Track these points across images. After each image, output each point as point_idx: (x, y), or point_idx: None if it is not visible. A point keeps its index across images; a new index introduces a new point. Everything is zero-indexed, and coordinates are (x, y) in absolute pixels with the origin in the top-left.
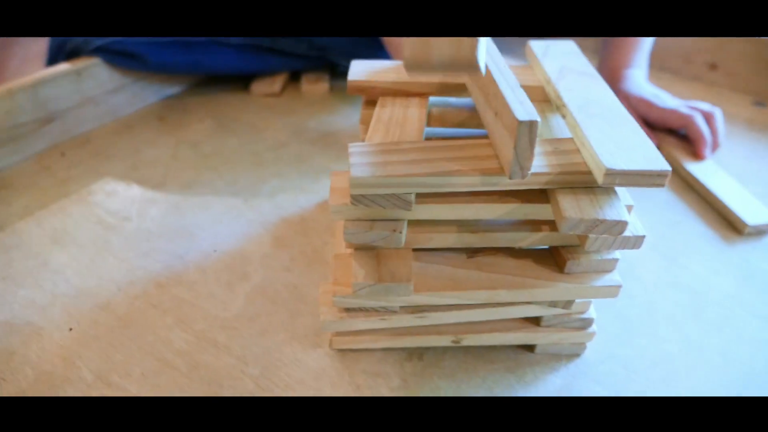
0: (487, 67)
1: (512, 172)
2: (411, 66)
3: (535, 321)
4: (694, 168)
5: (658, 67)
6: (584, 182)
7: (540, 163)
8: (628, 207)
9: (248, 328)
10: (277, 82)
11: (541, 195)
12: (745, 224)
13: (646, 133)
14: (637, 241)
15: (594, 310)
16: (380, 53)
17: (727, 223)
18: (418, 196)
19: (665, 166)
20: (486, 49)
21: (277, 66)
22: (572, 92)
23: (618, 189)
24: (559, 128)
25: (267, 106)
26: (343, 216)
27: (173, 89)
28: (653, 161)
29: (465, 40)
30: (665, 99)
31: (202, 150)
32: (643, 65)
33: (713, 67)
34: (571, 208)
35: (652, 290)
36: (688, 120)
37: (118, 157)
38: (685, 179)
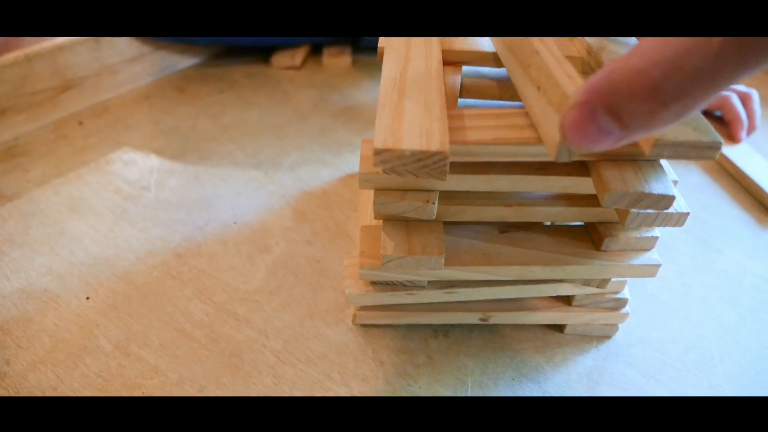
0: (527, 38)
1: (558, 154)
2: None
3: (567, 300)
4: (729, 151)
5: None
6: (629, 154)
7: None
8: (674, 182)
9: (269, 301)
10: (298, 55)
11: (581, 167)
12: None
13: None
14: (680, 218)
15: (628, 291)
16: None
17: (762, 207)
18: (452, 165)
19: (717, 138)
20: None
21: (298, 38)
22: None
23: (663, 163)
24: None
25: (288, 79)
26: (372, 185)
27: (193, 60)
28: (704, 132)
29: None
30: None
31: (222, 121)
32: None
33: None
34: (616, 180)
35: (685, 273)
36: (723, 101)
37: (136, 127)
38: (720, 162)
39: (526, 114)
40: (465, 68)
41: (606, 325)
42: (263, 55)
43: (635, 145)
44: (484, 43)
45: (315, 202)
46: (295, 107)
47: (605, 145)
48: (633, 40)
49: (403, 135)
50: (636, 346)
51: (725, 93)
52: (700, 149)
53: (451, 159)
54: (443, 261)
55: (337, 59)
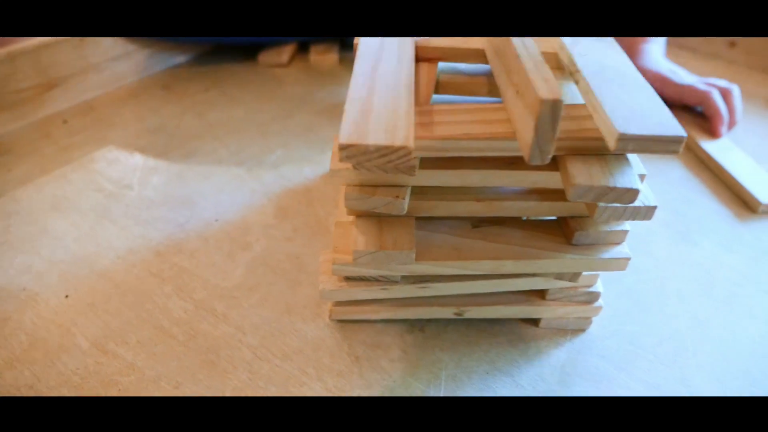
0: (509, 40)
1: (531, 156)
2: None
3: (540, 294)
4: (710, 145)
5: (677, 44)
6: (596, 149)
7: None
8: (641, 176)
9: (248, 297)
10: (285, 53)
11: (551, 162)
12: (758, 202)
13: None
14: (648, 212)
15: (601, 284)
16: None
17: (740, 201)
18: (423, 161)
19: (680, 132)
20: None
21: (285, 36)
22: (587, 58)
23: (631, 157)
24: (572, 95)
25: (274, 77)
26: (343, 180)
27: (179, 58)
28: (668, 126)
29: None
30: (682, 75)
31: (207, 119)
32: (660, 41)
33: (732, 44)
34: (581, 174)
35: (662, 266)
36: (704, 96)
37: (121, 125)
38: (700, 157)
39: (497, 109)
40: (442, 64)
41: (580, 318)
42: (250, 52)
43: (601, 139)
44: (460, 40)
45: (297, 198)
46: (280, 105)
47: None
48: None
49: (369, 130)
50: (610, 338)
51: (706, 89)
52: (663, 143)
53: (420, 154)
54: (414, 256)
55: (324, 57)
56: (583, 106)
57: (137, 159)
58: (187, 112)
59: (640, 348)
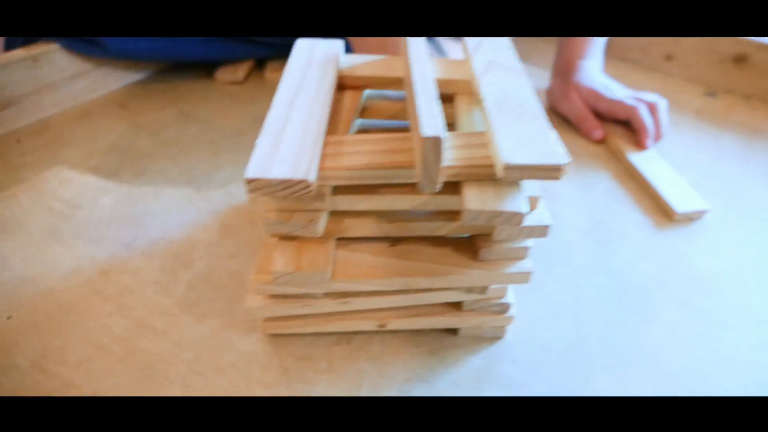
0: (411, 72)
1: (422, 185)
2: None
3: (457, 306)
4: (636, 157)
5: (618, 57)
6: (490, 175)
7: (452, 156)
8: (534, 199)
9: (187, 314)
10: (241, 70)
11: (453, 186)
12: (674, 211)
13: (595, 123)
14: (543, 230)
15: (517, 296)
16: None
17: (660, 210)
18: (336, 187)
19: (560, 161)
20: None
21: (241, 53)
22: (492, 87)
23: (526, 182)
24: (481, 122)
25: (230, 94)
26: (261, 206)
27: (136, 76)
28: (549, 155)
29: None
30: (614, 90)
31: (161, 137)
32: (597, 56)
33: (669, 58)
34: (474, 200)
35: (580, 275)
36: (632, 111)
37: (75, 144)
38: (627, 168)
39: (404, 138)
40: (370, 90)
41: (495, 327)
42: (207, 69)
43: (492, 166)
44: (384, 69)
45: (242, 216)
46: (234, 122)
47: None
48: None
49: (274, 164)
50: (524, 345)
51: (634, 104)
52: (546, 171)
53: (327, 182)
54: (329, 275)
55: (279, 73)
56: (485, 133)
57: (89, 179)
58: (142, 131)
59: (551, 353)
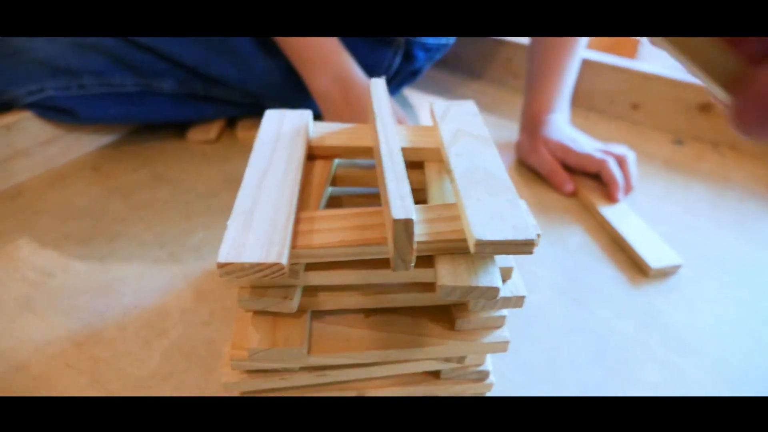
0: (379, 152)
1: (395, 265)
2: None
3: (436, 374)
4: (607, 211)
5: (585, 107)
6: (462, 248)
7: (423, 231)
8: (507, 270)
9: (162, 386)
10: (213, 129)
11: (427, 258)
12: (649, 267)
13: (565, 177)
14: (518, 301)
15: (494, 360)
16: (311, 102)
17: (634, 265)
18: (308, 264)
19: (530, 236)
20: (383, 133)
21: (211, 113)
22: (460, 157)
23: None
24: (451, 191)
25: (202, 154)
26: (234, 282)
27: (108, 138)
28: (520, 231)
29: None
30: (582, 143)
31: (134, 201)
32: (564, 109)
33: (635, 107)
34: (448, 275)
35: (558, 336)
36: (601, 165)
37: (48, 210)
38: (599, 222)
39: (375, 213)
40: (340, 160)
41: (475, 394)
42: (179, 129)
43: (464, 240)
44: (353, 138)
45: (216, 281)
46: (206, 183)
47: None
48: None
49: (245, 248)
50: None
51: (603, 157)
52: (517, 246)
53: (300, 260)
54: (306, 351)
55: (251, 132)
56: (455, 206)
57: (62, 245)
58: (114, 194)
59: None
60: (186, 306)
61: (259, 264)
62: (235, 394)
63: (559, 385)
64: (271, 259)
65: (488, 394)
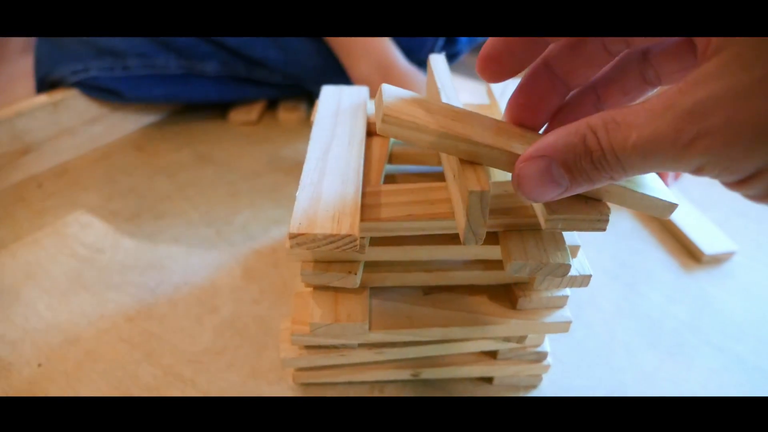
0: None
1: (466, 239)
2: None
3: (492, 354)
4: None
5: None
6: (532, 225)
7: (492, 206)
8: (575, 248)
9: (215, 362)
10: (254, 111)
11: (491, 235)
12: (702, 253)
13: None
14: (584, 280)
15: (549, 343)
16: (350, 81)
17: (686, 251)
18: (373, 238)
19: (603, 212)
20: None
21: (253, 94)
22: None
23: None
24: None
25: (244, 135)
26: (298, 257)
27: (152, 117)
28: (593, 206)
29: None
30: None
31: (178, 180)
32: None
33: None
34: (517, 251)
35: (611, 320)
36: None
37: (94, 188)
38: None
39: (441, 188)
40: None
41: (531, 376)
42: (221, 110)
43: (534, 216)
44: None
45: (264, 260)
46: (249, 163)
47: (552, 196)
48: None
49: (317, 219)
50: (559, 394)
51: None
52: (590, 222)
53: (369, 234)
54: (367, 327)
55: (292, 113)
56: None
57: (109, 222)
58: (159, 173)
59: None
60: (235, 284)
61: (332, 235)
62: (291, 367)
63: (615, 369)
64: (344, 231)
65: (541, 382)
